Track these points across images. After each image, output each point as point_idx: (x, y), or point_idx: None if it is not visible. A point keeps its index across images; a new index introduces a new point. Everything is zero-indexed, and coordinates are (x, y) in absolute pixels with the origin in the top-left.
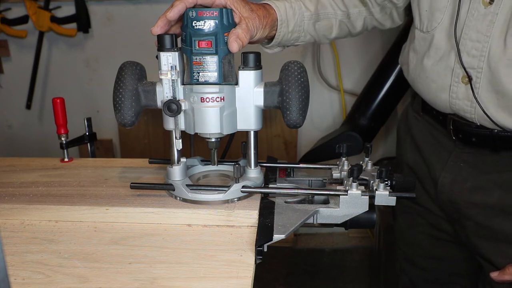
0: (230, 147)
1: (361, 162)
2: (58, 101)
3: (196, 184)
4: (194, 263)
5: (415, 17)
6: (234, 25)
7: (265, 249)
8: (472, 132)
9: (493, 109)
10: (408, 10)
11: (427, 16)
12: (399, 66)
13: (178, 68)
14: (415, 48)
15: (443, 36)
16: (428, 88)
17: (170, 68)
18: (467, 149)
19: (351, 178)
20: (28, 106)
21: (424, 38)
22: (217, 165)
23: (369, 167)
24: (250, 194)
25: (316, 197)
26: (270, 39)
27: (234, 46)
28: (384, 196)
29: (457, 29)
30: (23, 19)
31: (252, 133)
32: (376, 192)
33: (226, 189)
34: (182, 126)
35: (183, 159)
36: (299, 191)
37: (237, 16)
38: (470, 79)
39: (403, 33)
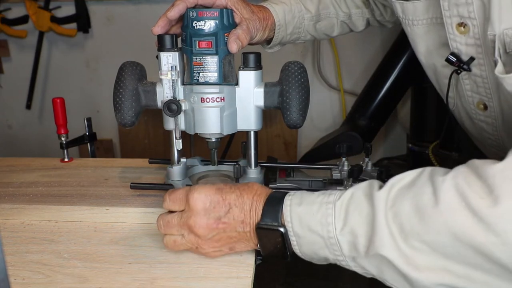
0: (230, 147)
1: (361, 162)
2: (58, 101)
3: (196, 184)
4: (194, 263)
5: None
6: (234, 25)
7: None
8: None
9: None
10: None
11: (441, 94)
12: (399, 66)
13: (178, 68)
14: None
15: (466, 119)
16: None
17: (170, 68)
18: None
19: (351, 178)
20: (28, 106)
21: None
22: (217, 165)
23: (369, 167)
24: None
25: None
26: (270, 40)
27: (234, 46)
28: None
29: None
30: (23, 19)
31: (252, 133)
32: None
33: None
34: (182, 126)
35: (183, 159)
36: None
37: (238, 17)
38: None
39: (403, 33)
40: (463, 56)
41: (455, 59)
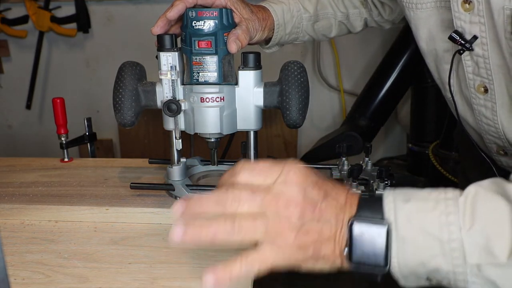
0: (230, 147)
1: (361, 162)
2: (58, 101)
3: (196, 184)
4: (194, 263)
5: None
6: (234, 25)
7: None
8: None
9: None
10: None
11: (440, 84)
12: (399, 66)
13: (178, 68)
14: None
15: (464, 106)
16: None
17: (170, 68)
18: None
19: (351, 178)
20: (28, 106)
21: (450, 102)
22: (217, 165)
23: (369, 167)
24: None
25: None
26: (268, 40)
27: (233, 47)
28: None
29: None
30: (23, 19)
31: (252, 133)
32: (376, 192)
33: None
34: (182, 126)
35: (183, 159)
36: None
37: (237, 17)
38: (505, 153)
39: (403, 33)
40: (466, 35)
41: (458, 37)
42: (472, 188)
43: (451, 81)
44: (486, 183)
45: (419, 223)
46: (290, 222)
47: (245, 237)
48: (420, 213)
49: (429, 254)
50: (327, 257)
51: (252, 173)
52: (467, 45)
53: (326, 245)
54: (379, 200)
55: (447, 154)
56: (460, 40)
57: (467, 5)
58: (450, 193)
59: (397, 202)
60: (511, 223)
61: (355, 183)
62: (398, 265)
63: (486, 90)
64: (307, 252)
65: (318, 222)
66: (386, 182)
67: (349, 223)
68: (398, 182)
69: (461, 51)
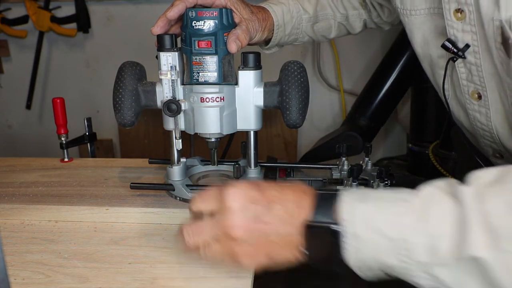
0: (230, 147)
1: (361, 162)
2: (58, 101)
3: (196, 184)
4: (194, 263)
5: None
6: (234, 25)
7: None
8: None
9: None
10: None
11: (436, 87)
12: (399, 66)
13: (178, 68)
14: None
15: (459, 111)
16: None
17: (170, 68)
18: None
19: (351, 178)
20: (28, 106)
21: (446, 105)
22: (217, 165)
23: (369, 167)
24: None
25: None
26: (268, 41)
27: (233, 47)
28: None
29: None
30: (23, 19)
31: (252, 133)
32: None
33: None
34: (182, 126)
35: (183, 159)
36: None
37: (237, 17)
38: (501, 156)
39: (403, 33)
40: (459, 43)
41: (451, 46)
42: (425, 188)
43: (446, 86)
44: (443, 184)
45: (374, 223)
46: (237, 241)
47: (215, 258)
48: (375, 214)
49: (381, 252)
50: (286, 259)
51: (202, 200)
52: (460, 53)
53: (280, 251)
54: (333, 201)
55: (447, 154)
56: (452, 48)
57: (459, 14)
58: (404, 194)
59: (354, 202)
60: (455, 223)
61: (355, 183)
62: (355, 260)
63: (480, 97)
64: (259, 259)
65: (265, 235)
66: (386, 182)
67: (304, 227)
68: (398, 182)
69: (454, 59)
